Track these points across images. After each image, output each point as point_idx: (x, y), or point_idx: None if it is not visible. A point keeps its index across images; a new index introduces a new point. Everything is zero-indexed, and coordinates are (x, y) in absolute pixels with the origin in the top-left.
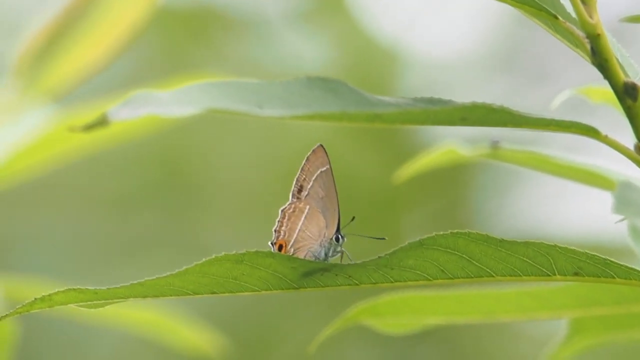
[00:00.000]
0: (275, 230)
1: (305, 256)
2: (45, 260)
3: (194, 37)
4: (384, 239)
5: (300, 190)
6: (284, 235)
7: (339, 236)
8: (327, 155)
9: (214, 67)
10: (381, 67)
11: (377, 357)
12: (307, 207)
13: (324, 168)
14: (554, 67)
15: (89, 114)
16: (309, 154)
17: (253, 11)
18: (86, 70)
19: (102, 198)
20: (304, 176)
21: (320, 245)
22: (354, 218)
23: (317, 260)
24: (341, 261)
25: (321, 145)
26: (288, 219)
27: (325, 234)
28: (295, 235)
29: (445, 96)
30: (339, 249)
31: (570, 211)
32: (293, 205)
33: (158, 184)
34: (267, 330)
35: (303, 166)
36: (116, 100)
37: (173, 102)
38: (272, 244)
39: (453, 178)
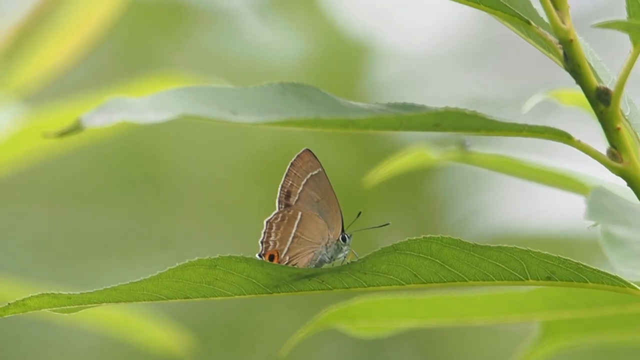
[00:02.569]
0: (262, 242)
1: (309, 260)
2: (16, 259)
3: (162, 29)
4: (387, 224)
5: (288, 197)
6: (275, 245)
7: (345, 236)
8: (317, 159)
9: (181, 60)
10: (352, 60)
11: (350, 357)
12: (300, 213)
13: (315, 172)
14: (527, 63)
15: (61, 115)
16: (293, 159)
17: (221, 3)
18: (55, 68)
19: (74, 196)
20: (290, 182)
21: (326, 248)
22: (360, 214)
23: (308, 267)
24: (345, 260)
25: (308, 150)
26: (277, 229)
27: (329, 236)
28: (289, 243)
29: (417, 90)
30: (345, 248)
31: (543, 212)
32: (281, 215)
33: (131, 181)
34: (240, 331)
35: (288, 172)
36: (89, 104)
37: (147, 108)
38: (260, 256)
39: (425, 180)
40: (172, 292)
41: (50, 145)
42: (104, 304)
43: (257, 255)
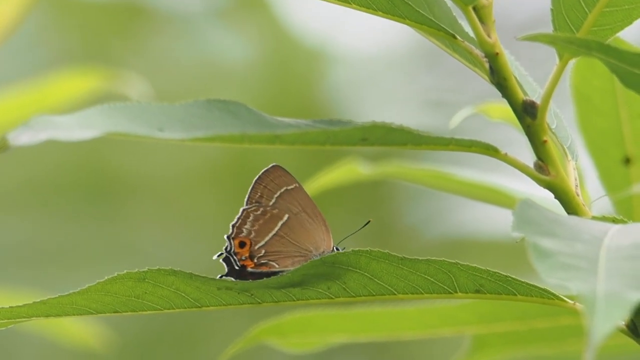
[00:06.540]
0: (233, 226)
1: (295, 263)
2: None
3: (116, 30)
4: (369, 221)
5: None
6: (250, 234)
7: (338, 248)
8: (290, 175)
9: (134, 60)
10: (306, 64)
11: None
12: (287, 215)
13: (291, 187)
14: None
15: None
16: (259, 174)
17: (176, 6)
18: None
19: (24, 202)
20: (258, 193)
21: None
22: (369, 222)
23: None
24: None
25: (277, 166)
26: (255, 220)
27: (322, 247)
28: (267, 238)
29: (370, 90)
30: None
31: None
32: (262, 209)
33: (87, 189)
34: (182, 333)
35: (254, 186)
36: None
37: (74, 126)
38: (229, 237)
39: (375, 186)
40: (101, 305)
41: None
42: (34, 318)
43: (225, 237)
